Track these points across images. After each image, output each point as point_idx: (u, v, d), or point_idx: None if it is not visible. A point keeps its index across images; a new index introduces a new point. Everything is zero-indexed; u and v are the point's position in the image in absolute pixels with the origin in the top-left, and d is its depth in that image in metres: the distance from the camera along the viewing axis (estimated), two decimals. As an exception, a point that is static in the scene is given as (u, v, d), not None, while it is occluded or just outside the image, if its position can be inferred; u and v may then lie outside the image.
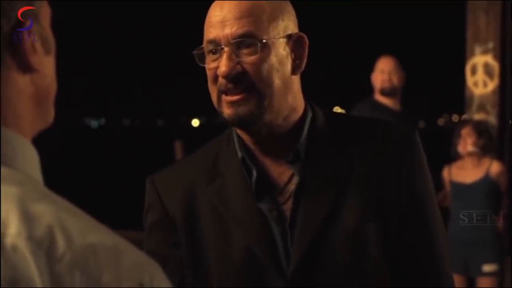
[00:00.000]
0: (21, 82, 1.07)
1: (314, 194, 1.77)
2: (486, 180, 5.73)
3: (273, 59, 1.74)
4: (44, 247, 0.90)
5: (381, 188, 1.77)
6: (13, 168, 1.00)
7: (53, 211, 0.94)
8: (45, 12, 1.12)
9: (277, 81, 1.74)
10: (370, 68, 6.28)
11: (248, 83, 1.73)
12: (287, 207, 1.79)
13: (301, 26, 1.86)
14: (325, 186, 1.78)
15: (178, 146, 10.13)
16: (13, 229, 0.90)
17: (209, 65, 1.78)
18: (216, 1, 1.79)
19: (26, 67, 1.07)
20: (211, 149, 1.91)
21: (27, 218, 0.91)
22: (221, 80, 1.75)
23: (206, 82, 1.81)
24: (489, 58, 6.45)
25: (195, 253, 1.83)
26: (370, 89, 6.23)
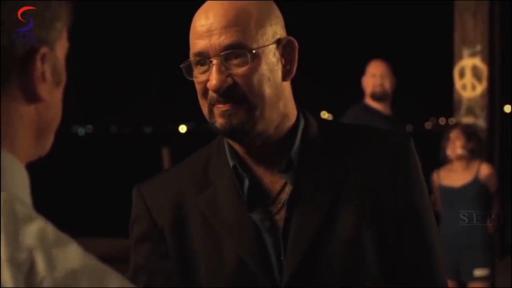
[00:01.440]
0: (25, 110, 1.05)
1: (308, 203, 1.73)
2: (476, 183, 5.71)
3: (263, 68, 1.69)
4: (23, 271, 0.88)
5: (377, 196, 1.74)
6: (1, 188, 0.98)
7: (36, 234, 0.91)
8: (62, 44, 1.11)
9: (268, 91, 1.70)
10: (356, 71, 6.25)
11: (239, 95, 1.68)
12: (280, 216, 1.75)
13: (287, 29, 1.82)
14: (319, 195, 1.74)
15: (165, 153, 10.11)
16: None
17: (198, 78, 1.72)
18: (200, 10, 1.74)
19: (32, 95, 1.05)
20: (200, 158, 1.86)
21: (10, 240, 0.89)
22: (211, 94, 1.69)
23: (193, 87, 1.76)
24: (477, 61, 6.45)
25: (185, 264, 1.79)
26: (358, 93, 6.21)
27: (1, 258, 0.88)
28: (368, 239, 1.71)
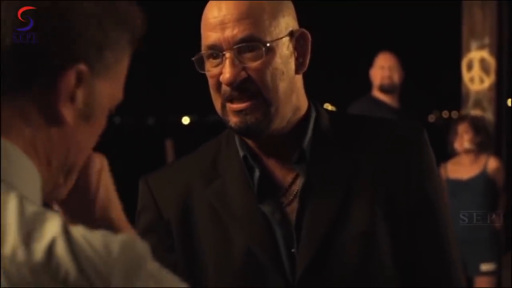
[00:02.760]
0: (47, 130, 1.01)
1: (321, 196, 1.71)
2: (483, 176, 5.68)
3: (277, 61, 1.67)
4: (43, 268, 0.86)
5: (390, 188, 1.71)
6: (10, 185, 0.95)
7: (49, 227, 0.89)
8: (113, 80, 1.07)
9: (282, 84, 1.67)
10: (362, 63, 6.22)
11: (254, 89, 1.65)
12: (291, 209, 1.73)
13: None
14: (332, 187, 1.71)
15: (169, 145, 10.09)
16: (11, 238, 0.87)
17: (210, 71, 1.69)
18: (213, 1, 1.70)
19: (53, 112, 1.01)
20: (209, 150, 1.84)
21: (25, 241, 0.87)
22: (224, 88, 1.66)
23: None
24: (485, 54, 6.40)
25: (191, 256, 1.77)
26: (363, 85, 6.18)
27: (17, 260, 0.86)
28: (381, 231, 1.69)
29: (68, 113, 1.01)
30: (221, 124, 1.76)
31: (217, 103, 1.71)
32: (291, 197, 1.73)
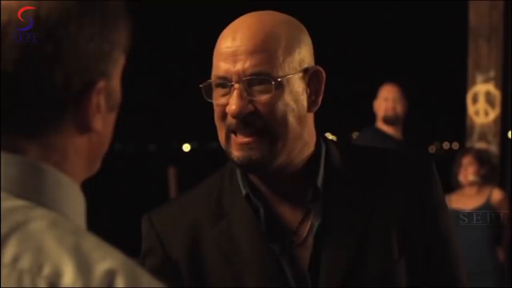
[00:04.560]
0: (77, 141, 1.03)
1: (338, 236, 1.67)
2: (487, 208, 5.66)
3: (287, 97, 1.61)
4: None
5: (405, 223, 1.70)
6: (58, 211, 0.97)
7: (108, 256, 0.90)
8: (119, 69, 1.08)
9: (292, 121, 1.62)
10: (363, 93, 6.24)
11: (261, 124, 1.61)
12: (304, 248, 1.68)
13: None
14: (349, 226, 1.68)
15: (172, 172, 10.08)
16: (68, 279, 0.86)
17: (217, 100, 1.64)
18: (227, 30, 1.66)
19: (86, 128, 1.03)
20: (213, 185, 1.77)
21: (83, 266, 0.88)
22: (230, 119, 1.62)
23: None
24: (490, 87, 6.40)
25: None
26: (364, 114, 6.18)
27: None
28: (399, 268, 1.67)
29: (98, 123, 1.04)
30: (221, 151, 1.71)
31: (221, 133, 1.66)
32: (304, 236, 1.69)
